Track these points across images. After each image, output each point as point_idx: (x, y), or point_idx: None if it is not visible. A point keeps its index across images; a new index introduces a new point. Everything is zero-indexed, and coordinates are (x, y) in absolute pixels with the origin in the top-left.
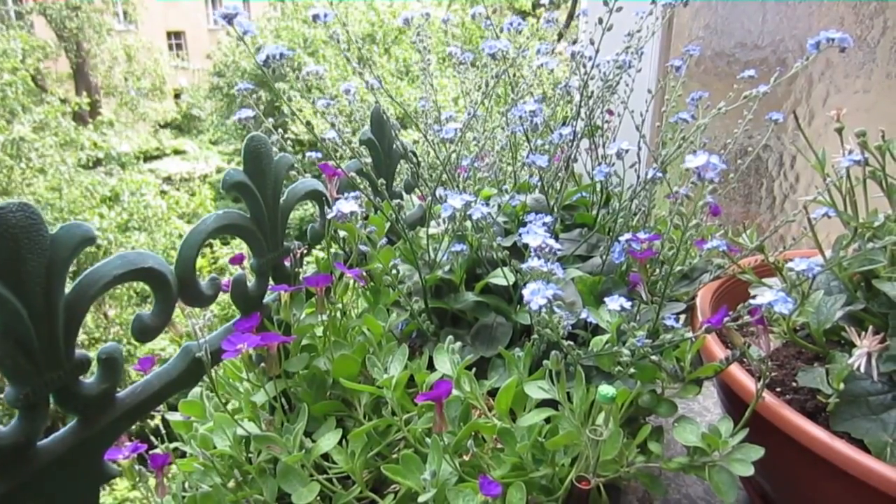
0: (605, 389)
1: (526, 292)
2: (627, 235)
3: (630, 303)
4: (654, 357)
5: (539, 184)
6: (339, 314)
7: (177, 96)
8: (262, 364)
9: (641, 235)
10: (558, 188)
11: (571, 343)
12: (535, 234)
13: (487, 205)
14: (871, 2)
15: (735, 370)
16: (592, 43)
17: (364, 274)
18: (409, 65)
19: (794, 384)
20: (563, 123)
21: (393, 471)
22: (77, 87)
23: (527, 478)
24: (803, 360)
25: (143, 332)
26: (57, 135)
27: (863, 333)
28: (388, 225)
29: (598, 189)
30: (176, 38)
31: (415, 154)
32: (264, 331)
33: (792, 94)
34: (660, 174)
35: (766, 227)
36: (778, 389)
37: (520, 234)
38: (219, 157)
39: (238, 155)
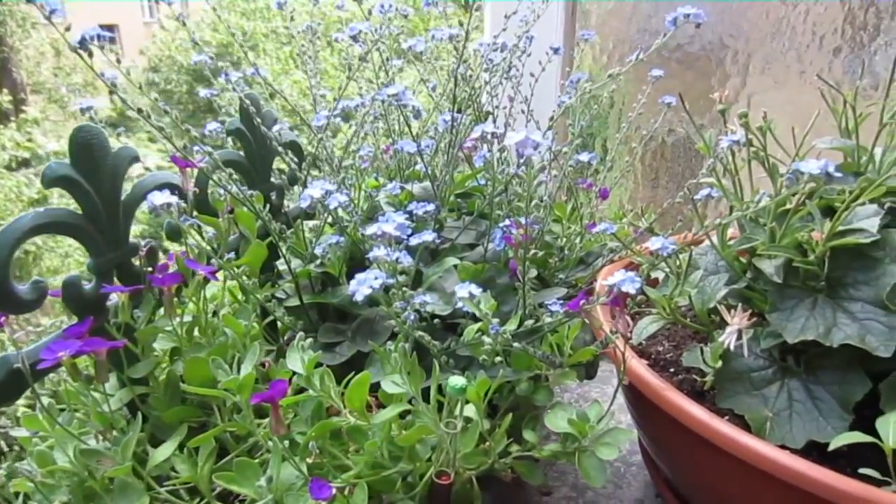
0: (455, 381)
1: (353, 283)
2: (507, 222)
3: (480, 289)
4: (516, 344)
5: (428, 172)
6: (207, 314)
7: (111, 93)
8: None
9: (520, 221)
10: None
11: (423, 335)
12: (388, 222)
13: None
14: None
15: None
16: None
17: (222, 271)
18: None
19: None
20: (459, 111)
21: (227, 478)
22: (0, 84)
23: (379, 476)
24: (698, 340)
25: None
26: None
27: (732, 311)
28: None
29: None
30: (109, 31)
31: (297, 145)
32: (108, 337)
33: (720, 86)
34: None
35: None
36: (671, 370)
37: (377, 223)
38: (158, 155)
39: (179, 151)
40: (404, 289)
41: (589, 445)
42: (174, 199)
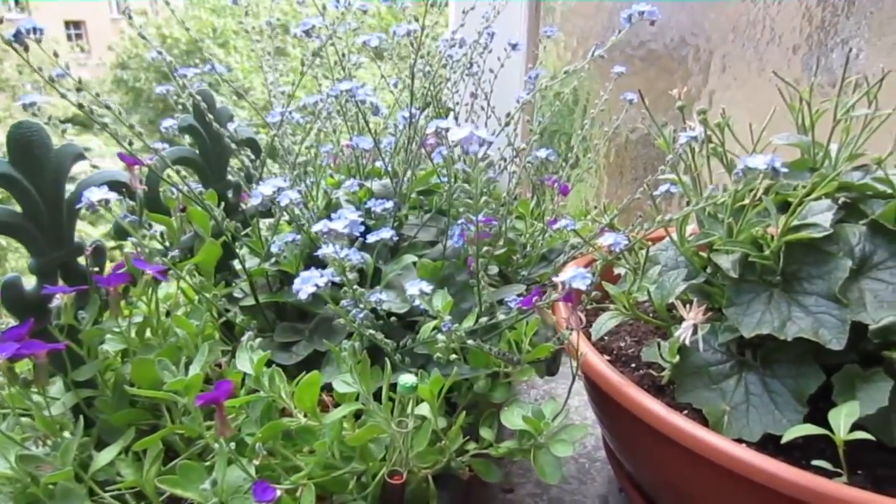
0: (405, 379)
1: (297, 281)
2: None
3: (432, 286)
4: (470, 341)
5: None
6: (160, 315)
7: (79, 91)
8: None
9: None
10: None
11: (374, 333)
12: (339, 219)
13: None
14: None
15: (586, 350)
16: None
17: (172, 270)
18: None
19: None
20: (423, 108)
21: (171, 482)
22: None
23: (330, 477)
24: (660, 336)
25: None
26: None
27: (687, 306)
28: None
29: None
30: (75, 28)
31: (254, 142)
32: (51, 339)
33: (682, 83)
34: (490, 154)
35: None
36: (633, 365)
37: (329, 220)
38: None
39: (126, 148)
40: (355, 287)
41: (545, 442)
42: (112, 196)
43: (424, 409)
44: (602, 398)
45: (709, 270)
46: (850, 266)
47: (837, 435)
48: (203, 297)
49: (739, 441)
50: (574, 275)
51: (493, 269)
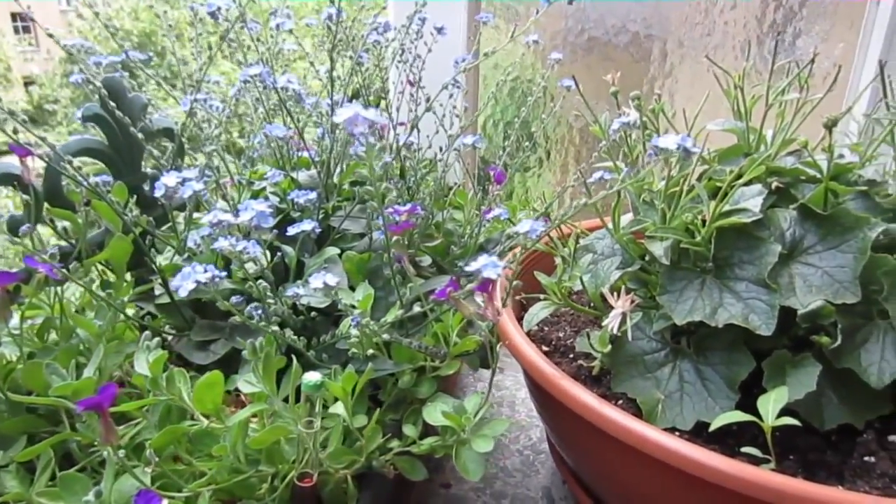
0: (309, 377)
1: (177, 277)
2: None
3: (337, 279)
4: (386, 336)
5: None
6: (64, 315)
7: (28, 85)
8: None
9: (400, 207)
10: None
11: (278, 329)
12: (246, 210)
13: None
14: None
15: (519, 341)
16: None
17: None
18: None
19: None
20: (354, 96)
21: (51, 495)
22: None
23: (232, 481)
24: (599, 325)
25: None
26: None
27: (615, 294)
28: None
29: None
30: (23, 21)
31: (172, 132)
32: None
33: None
34: (412, 140)
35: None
36: (571, 356)
37: (237, 213)
38: None
39: (12, 138)
40: (261, 282)
41: (469, 438)
42: None
43: (339, 408)
44: (538, 389)
45: (647, 258)
46: (779, 251)
47: (766, 421)
48: (96, 295)
49: (673, 430)
50: (485, 263)
51: (427, 261)
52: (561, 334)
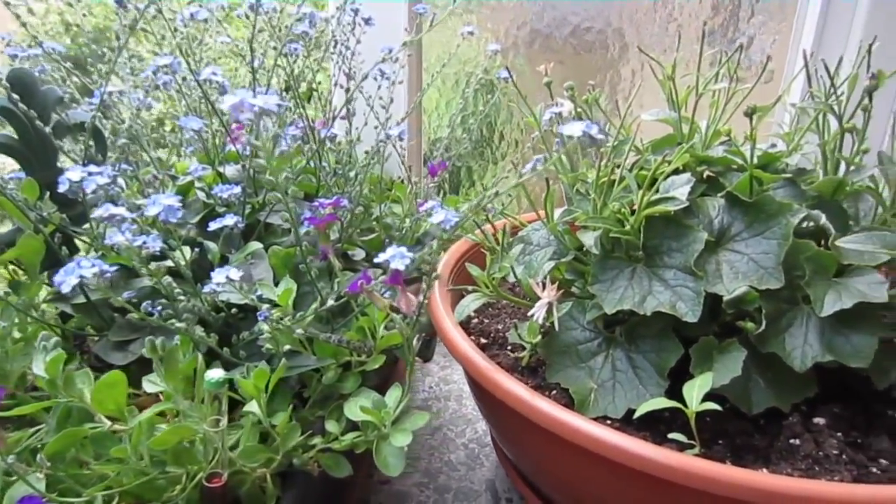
0: (212, 374)
1: (59, 273)
2: (317, 202)
3: (241, 272)
4: (300, 330)
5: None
6: None
7: None
8: None
9: (325, 200)
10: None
11: (184, 326)
12: (154, 205)
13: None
14: None
15: (454, 334)
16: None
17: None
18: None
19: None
20: (287, 89)
21: None
22: None
23: (136, 484)
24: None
25: None
26: None
27: (541, 284)
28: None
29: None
30: None
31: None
32: None
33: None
34: (334, 132)
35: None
36: (509, 348)
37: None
38: None
39: None
40: (169, 280)
41: (389, 432)
42: None
43: (253, 406)
44: (473, 382)
45: (583, 249)
46: (705, 238)
47: (690, 407)
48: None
49: (605, 418)
50: (393, 254)
51: (360, 254)
52: (500, 326)
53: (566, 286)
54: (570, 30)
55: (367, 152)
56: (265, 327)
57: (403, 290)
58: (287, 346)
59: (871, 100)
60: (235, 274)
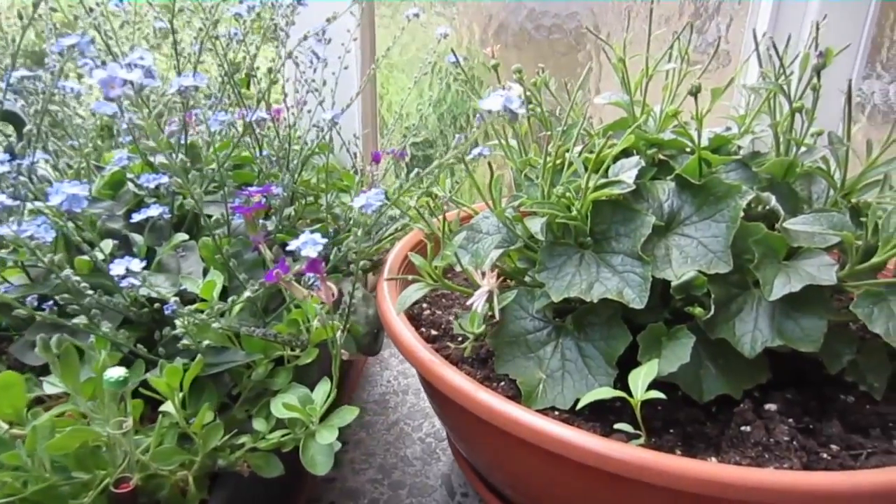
0: (112, 373)
1: None
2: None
3: (143, 262)
4: (215, 324)
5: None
6: None
7: None
8: None
9: (253, 189)
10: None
11: (81, 322)
12: (57, 194)
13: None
14: None
15: (399, 326)
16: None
17: None
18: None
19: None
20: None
21: None
22: None
23: (30, 491)
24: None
25: None
26: None
27: (480, 273)
28: None
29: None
30: None
31: (17, 116)
32: None
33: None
34: (264, 117)
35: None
36: (460, 339)
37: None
38: None
39: None
40: (70, 273)
41: (317, 429)
42: None
43: (168, 406)
44: (419, 376)
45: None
46: (653, 222)
47: (635, 396)
48: None
49: (553, 410)
50: (305, 241)
51: None
52: (452, 317)
53: (520, 274)
54: (530, 19)
55: (300, 138)
56: (178, 322)
57: (324, 279)
58: (207, 342)
59: (819, 78)
60: (137, 265)
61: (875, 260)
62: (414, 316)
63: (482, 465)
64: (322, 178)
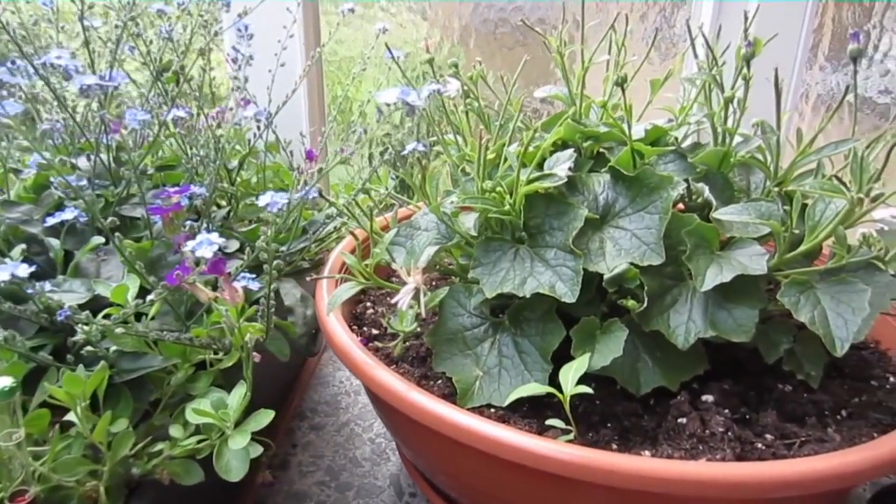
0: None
1: None
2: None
3: (33, 267)
4: (119, 329)
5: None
6: None
7: None
8: None
9: (171, 189)
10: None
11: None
12: None
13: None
14: None
15: (334, 326)
16: None
17: None
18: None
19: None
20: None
21: None
22: None
23: None
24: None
25: None
26: None
27: (404, 270)
28: None
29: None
30: None
31: None
32: None
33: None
34: (182, 116)
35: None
36: (407, 339)
37: None
38: None
39: None
40: None
41: (230, 434)
42: None
43: (72, 415)
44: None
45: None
46: (586, 215)
47: (564, 391)
48: None
49: (489, 407)
50: (200, 241)
51: (234, 245)
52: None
53: (464, 271)
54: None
55: (221, 136)
56: (78, 329)
57: (227, 279)
58: (115, 348)
59: (748, 68)
60: (24, 270)
61: (802, 248)
62: (357, 315)
63: (424, 467)
64: (261, 177)
